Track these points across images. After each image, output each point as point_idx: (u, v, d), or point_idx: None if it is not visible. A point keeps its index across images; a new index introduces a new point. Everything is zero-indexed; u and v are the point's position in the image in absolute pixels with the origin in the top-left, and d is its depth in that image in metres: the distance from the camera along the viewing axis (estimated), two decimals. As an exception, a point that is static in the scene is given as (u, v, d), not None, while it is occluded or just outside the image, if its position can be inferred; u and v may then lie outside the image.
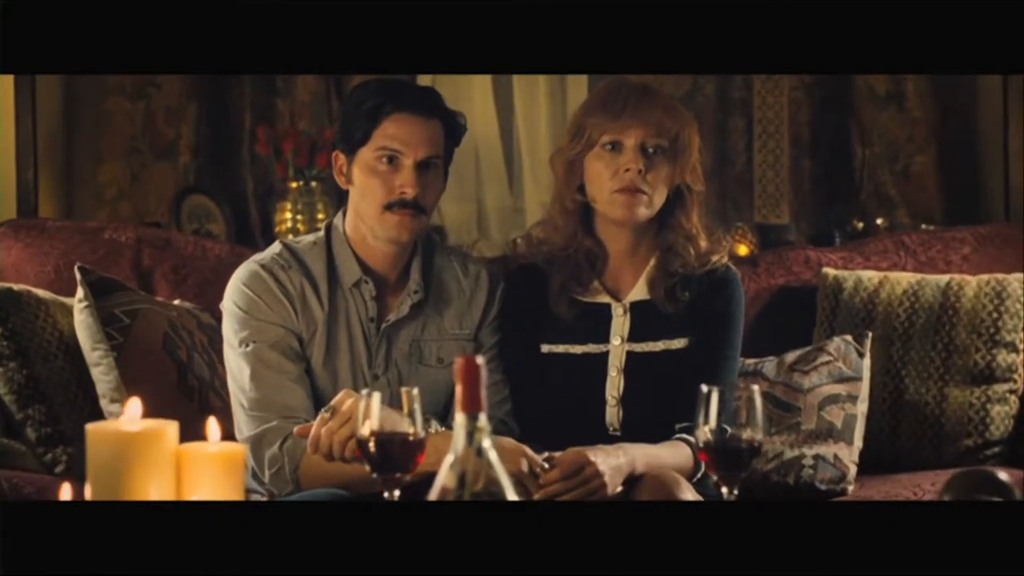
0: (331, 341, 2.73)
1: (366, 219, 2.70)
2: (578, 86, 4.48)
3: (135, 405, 1.89)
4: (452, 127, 2.75)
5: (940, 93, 4.40)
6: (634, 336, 2.79)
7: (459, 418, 1.70)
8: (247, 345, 2.69)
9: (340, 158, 2.75)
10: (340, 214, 2.84)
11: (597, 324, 2.81)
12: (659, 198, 2.76)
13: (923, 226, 4.18)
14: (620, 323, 2.82)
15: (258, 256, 2.80)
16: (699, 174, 2.83)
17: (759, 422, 2.10)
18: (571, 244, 2.82)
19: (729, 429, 2.08)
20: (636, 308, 2.83)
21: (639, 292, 2.84)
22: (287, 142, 4.23)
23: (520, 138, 4.58)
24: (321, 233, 2.83)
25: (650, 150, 2.73)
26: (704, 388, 2.06)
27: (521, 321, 2.83)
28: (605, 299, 2.85)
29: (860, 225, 4.36)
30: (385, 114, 2.65)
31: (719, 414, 2.08)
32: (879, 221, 4.36)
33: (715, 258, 2.83)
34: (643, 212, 2.73)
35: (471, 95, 4.47)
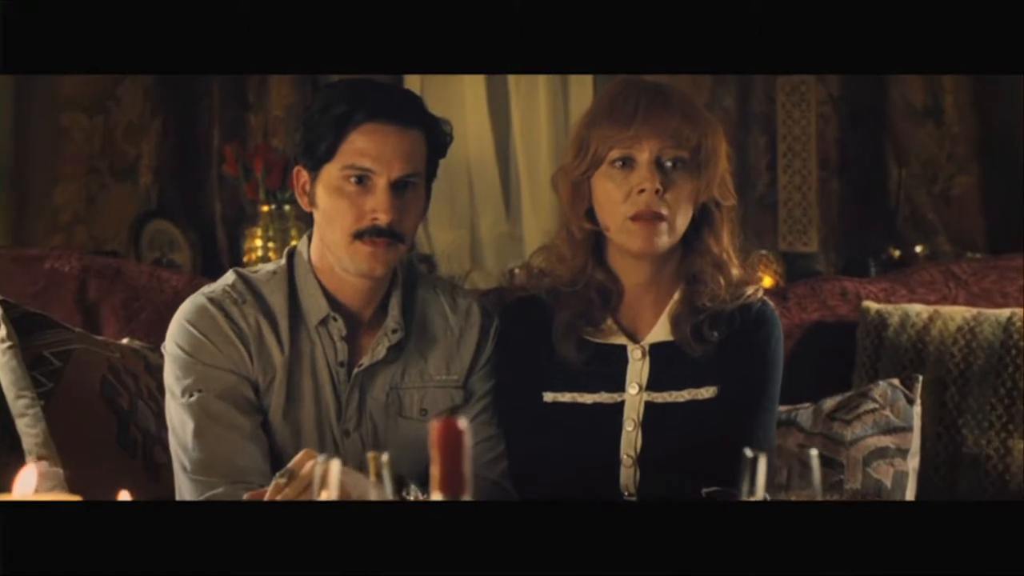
0: (293, 389, 2.49)
1: (333, 248, 2.46)
2: (582, 92, 4.31)
3: (27, 478, 1.62)
4: (435, 136, 2.49)
5: (982, 106, 4.21)
6: (654, 384, 2.57)
7: (436, 499, 1.50)
8: (190, 395, 2.43)
9: (302, 175, 2.50)
10: (305, 239, 2.58)
11: (610, 369, 2.58)
12: (682, 221, 2.53)
13: (968, 254, 4.02)
14: (638, 368, 2.59)
15: (207, 288, 2.54)
16: (729, 187, 2.59)
17: (816, 490, 1.85)
18: (579, 278, 2.60)
19: (768, 497, 1.84)
20: (657, 351, 2.60)
21: (660, 332, 2.60)
22: (257, 160, 3.99)
23: (518, 155, 4.40)
24: (282, 261, 2.57)
25: (668, 164, 2.49)
26: (749, 452, 1.80)
27: (520, 364, 2.61)
28: (620, 340, 2.61)
29: (896, 253, 4.18)
30: (354, 124, 2.41)
31: (767, 486, 1.83)
32: (918, 249, 4.18)
33: (749, 290, 2.60)
34: (663, 241, 2.51)
35: (463, 107, 4.30)
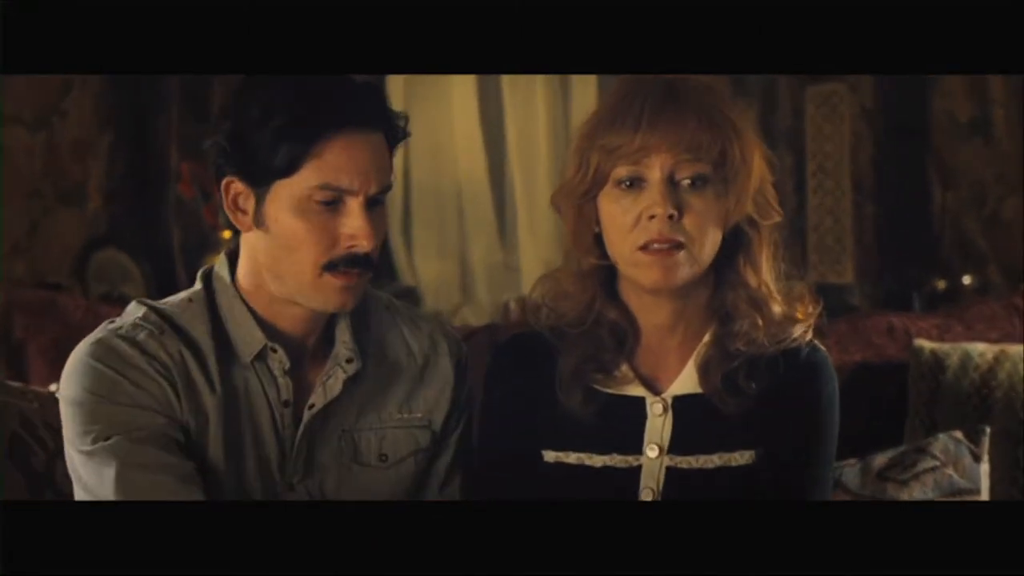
0: (231, 439, 2.20)
1: (289, 280, 2.17)
2: (586, 101, 4.28)
3: None
4: (394, 134, 2.24)
5: (1036, 119, 4.19)
6: (678, 445, 2.29)
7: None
8: (105, 439, 2.12)
9: (235, 187, 2.19)
10: (223, 259, 2.30)
11: (625, 426, 2.30)
12: (708, 248, 2.24)
13: (1022, 285, 3.92)
14: (658, 425, 2.30)
15: (110, 324, 2.25)
16: (770, 201, 2.28)
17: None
18: (587, 316, 2.34)
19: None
20: (682, 405, 2.31)
21: (686, 382, 2.31)
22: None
23: (514, 174, 4.33)
24: (197, 287, 2.28)
25: (685, 183, 2.21)
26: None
27: (515, 416, 2.33)
28: (637, 390, 2.32)
29: (942, 285, 4.13)
30: (324, 134, 2.13)
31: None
32: (965, 279, 4.13)
33: (796, 331, 2.29)
34: (682, 274, 2.23)
35: (451, 120, 4.34)
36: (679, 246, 2.20)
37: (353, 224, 2.14)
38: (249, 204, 2.17)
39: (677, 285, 2.23)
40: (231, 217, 2.21)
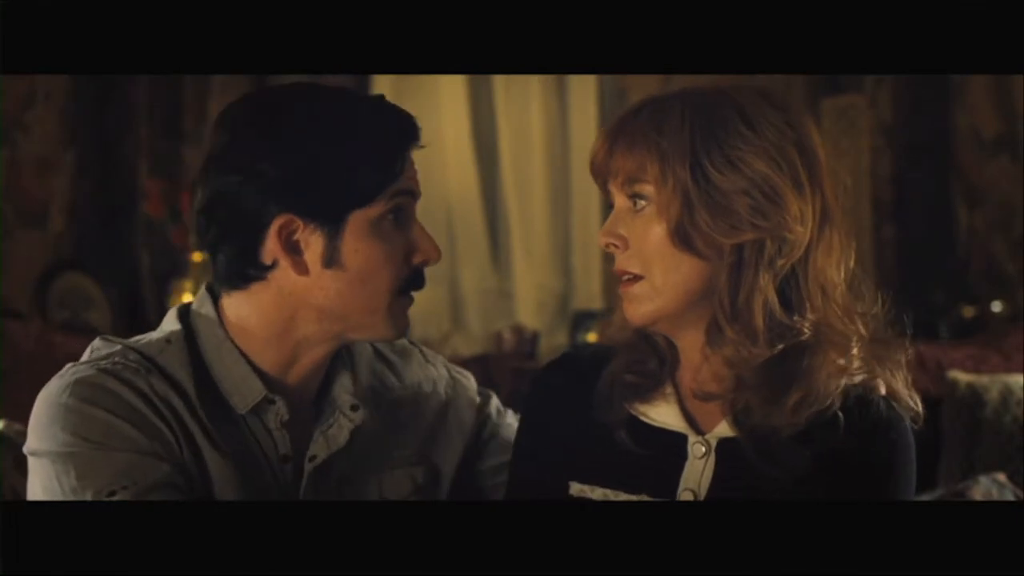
0: (234, 492, 2.06)
1: (355, 317, 2.01)
2: (584, 117, 4.33)
3: None
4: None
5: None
6: (718, 494, 2.08)
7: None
8: (107, 494, 1.94)
9: (294, 226, 2.01)
10: (204, 297, 2.06)
11: (660, 464, 2.09)
12: (675, 279, 2.03)
13: None
14: (698, 469, 2.09)
15: (85, 362, 2.02)
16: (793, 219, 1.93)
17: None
18: (635, 337, 2.16)
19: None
20: (728, 449, 2.10)
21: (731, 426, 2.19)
22: (185, 198, 3.80)
23: (507, 194, 4.34)
24: (174, 327, 2.05)
25: (640, 203, 2.05)
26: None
27: (550, 442, 2.15)
28: (679, 425, 2.12)
29: (970, 312, 4.10)
30: (409, 145, 2.02)
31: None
32: (995, 306, 4.09)
33: (856, 377, 1.99)
34: (643, 308, 2.05)
35: (441, 135, 4.28)
36: (635, 277, 2.02)
37: (417, 234, 1.99)
38: (315, 243, 1.99)
39: (641, 322, 2.03)
40: (281, 260, 1.99)
